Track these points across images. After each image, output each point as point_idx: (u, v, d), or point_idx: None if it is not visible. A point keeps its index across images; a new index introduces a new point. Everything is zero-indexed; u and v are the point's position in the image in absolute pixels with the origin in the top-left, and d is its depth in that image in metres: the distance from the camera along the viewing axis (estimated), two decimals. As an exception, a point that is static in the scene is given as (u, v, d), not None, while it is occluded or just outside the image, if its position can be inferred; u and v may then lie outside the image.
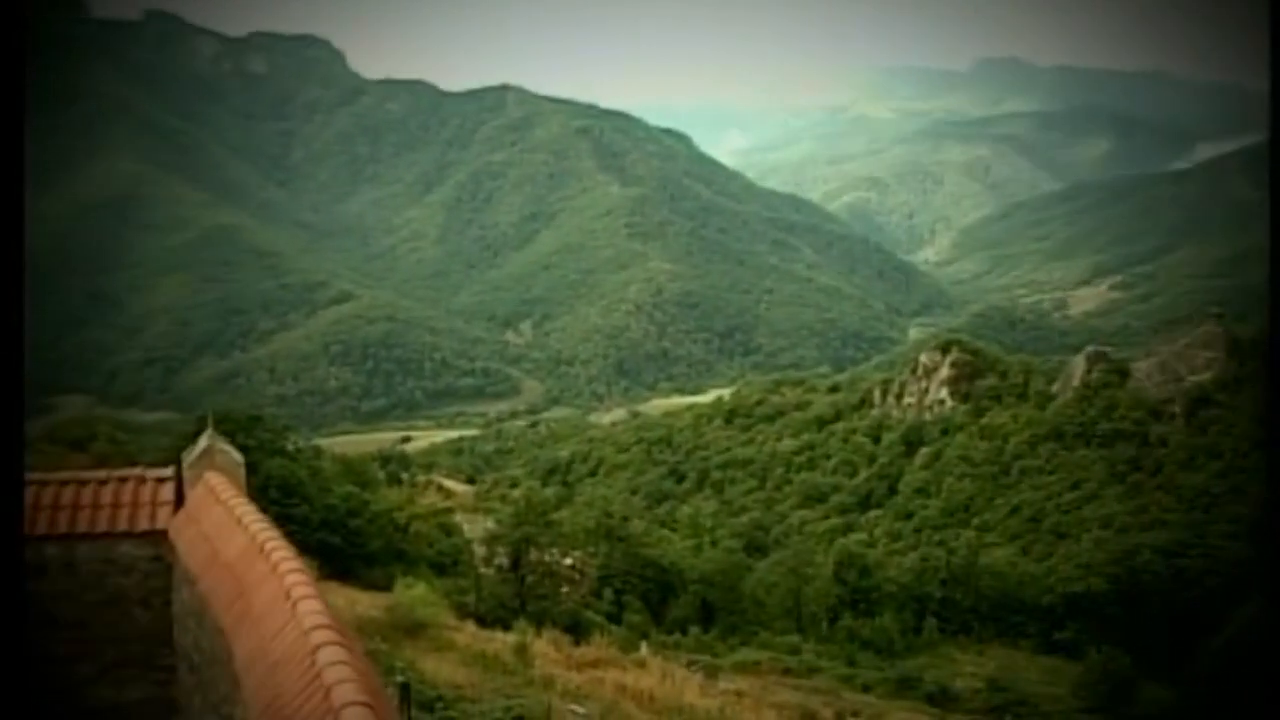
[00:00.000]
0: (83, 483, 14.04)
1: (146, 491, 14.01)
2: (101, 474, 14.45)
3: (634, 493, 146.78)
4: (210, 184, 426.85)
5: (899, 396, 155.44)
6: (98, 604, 13.63)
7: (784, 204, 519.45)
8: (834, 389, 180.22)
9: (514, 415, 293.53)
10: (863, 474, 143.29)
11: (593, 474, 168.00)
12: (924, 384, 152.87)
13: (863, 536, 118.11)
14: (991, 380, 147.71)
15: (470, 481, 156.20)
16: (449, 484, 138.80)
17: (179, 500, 13.89)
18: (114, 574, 13.65)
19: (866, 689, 57.68)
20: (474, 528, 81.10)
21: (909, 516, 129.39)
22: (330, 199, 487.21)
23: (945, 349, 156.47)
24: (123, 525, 13.63)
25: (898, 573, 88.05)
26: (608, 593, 72.23)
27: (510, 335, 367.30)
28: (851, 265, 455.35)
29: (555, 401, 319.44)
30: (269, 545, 9.77)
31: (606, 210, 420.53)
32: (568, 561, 70.48)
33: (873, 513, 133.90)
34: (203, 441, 14.06)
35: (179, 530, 13.01)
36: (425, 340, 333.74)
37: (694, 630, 68.84)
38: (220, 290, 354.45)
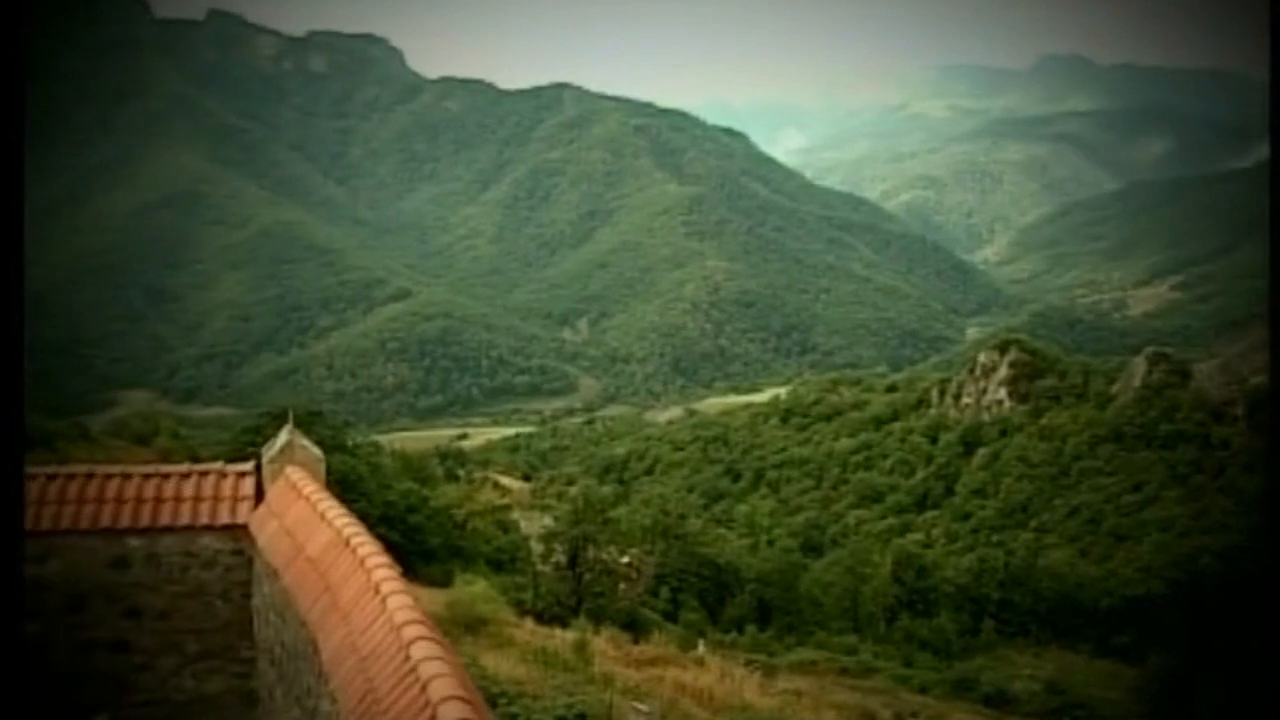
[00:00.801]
0: (165, 476, 14.24)
1: (227, 485, 14.19)
2: (183, 468, 14.67)
3: (690, 491, 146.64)
4: (271, 181, 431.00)
5: (957, 396, 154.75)
6: (180, 596, 13.84)
7: (841, 203, 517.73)
8: (891, 389, 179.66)
9: (570, 413, 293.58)
10: (920, 474, 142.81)
11: (649, 472, 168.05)
12: (982, 384, 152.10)
13: (920, 537, 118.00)
14: (1050, 381, 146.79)
15: (526, 479, 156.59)
16: (505, 481, 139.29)
17: (259, 495, 14.10)
18: (195, 567, 13.86)
19: (924, 690, 57.35)
20: (531, 525, 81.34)
21: (966, 517, 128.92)
22: (388, 196, 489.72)
23: (1004, 349, 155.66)
24: (204, 519, 13.81)
25: (955, 573, 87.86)
26: (664, 591, 72.31)
27: (567, 333, 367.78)
28: (909, 264, 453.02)
29: (611, 399, 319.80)
30: (354, 540, 9.85)
31: (663, 209, 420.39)
32: (625, 559, 70.46)
33: (930, 513, 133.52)
34: (283, 436, 14.22)
35: (260, 524, 13.17)
36: (482, 337, 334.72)
37: (750, 629, 68.86)
38: (279, 287, 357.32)
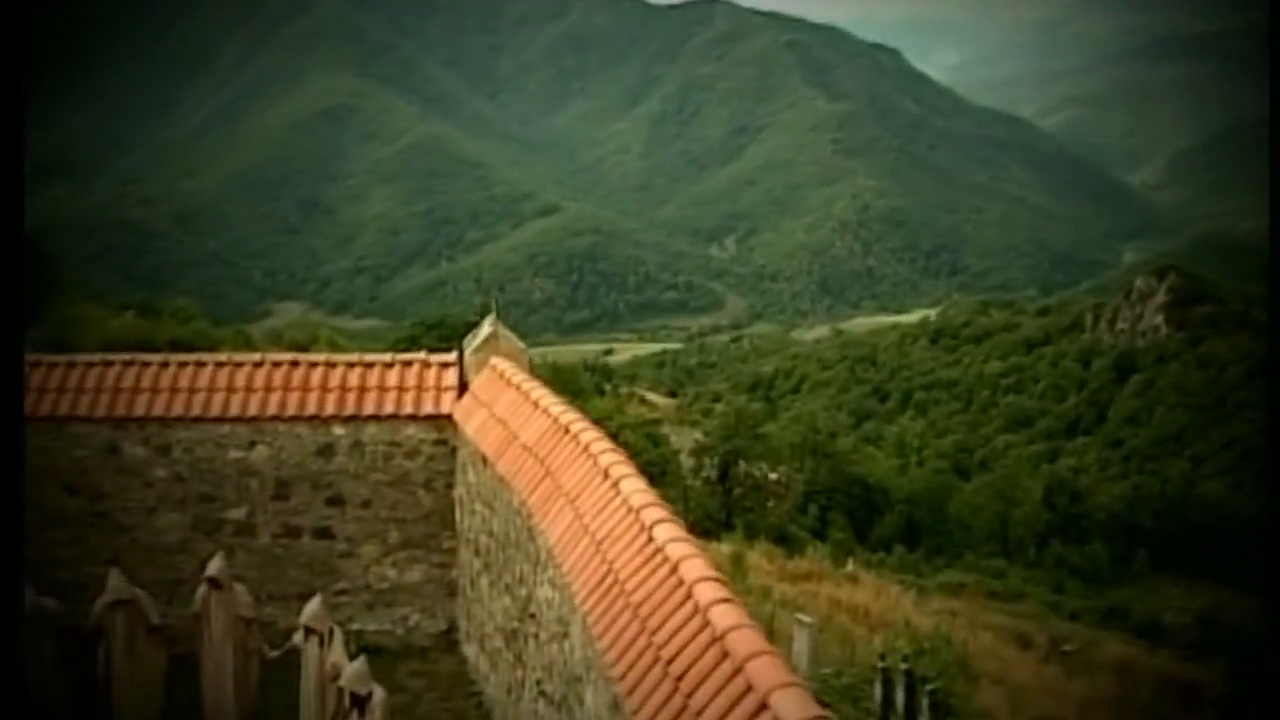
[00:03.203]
0: (368, 365, 14.43)
1: (431, 376, 14.33)
2: (386, 357, 14.83)
3: (838, 410, 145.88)
4: (422, 97, 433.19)
5: (1111, 322, 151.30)
6: (383, 485, 14.07)
7: (995, 121, 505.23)
8: (1043, 312, 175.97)
9: (716, 330, 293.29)
10: (1071, 399, 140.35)
11: (795, 390, 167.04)
12: (1138, 309, 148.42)
13: (1070, 463, 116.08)
14: (1209, 308, 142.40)
15: (672, 395, 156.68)
16: (651, 397, 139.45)
17: (461, 387, 14.20)
18: (399, 456, 14.06)
19: (1074, 617, 56.43)
20: (680, 439, 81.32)
21: (1118, 444, 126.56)
22: (538, 112, 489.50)
23: (1161, 274, 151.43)
24: (408, 408, 13.99)
25: (1109, 500, 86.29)
26: (812, 508, 71.93)
27: (714, 250, 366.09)
28: (1064, 186, 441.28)
29: (758, 317, 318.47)
30: (575, 426, 9.80)
31: (813, 125, 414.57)
32: (774, 476, 70.31)
33: (1080, 439, 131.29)
34: (486, 327, 14.31)
35: (466, 414, 13.24)
36: (629, 253, 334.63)
37: (898, 549, 68.43)
38: (429, 201, 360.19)
